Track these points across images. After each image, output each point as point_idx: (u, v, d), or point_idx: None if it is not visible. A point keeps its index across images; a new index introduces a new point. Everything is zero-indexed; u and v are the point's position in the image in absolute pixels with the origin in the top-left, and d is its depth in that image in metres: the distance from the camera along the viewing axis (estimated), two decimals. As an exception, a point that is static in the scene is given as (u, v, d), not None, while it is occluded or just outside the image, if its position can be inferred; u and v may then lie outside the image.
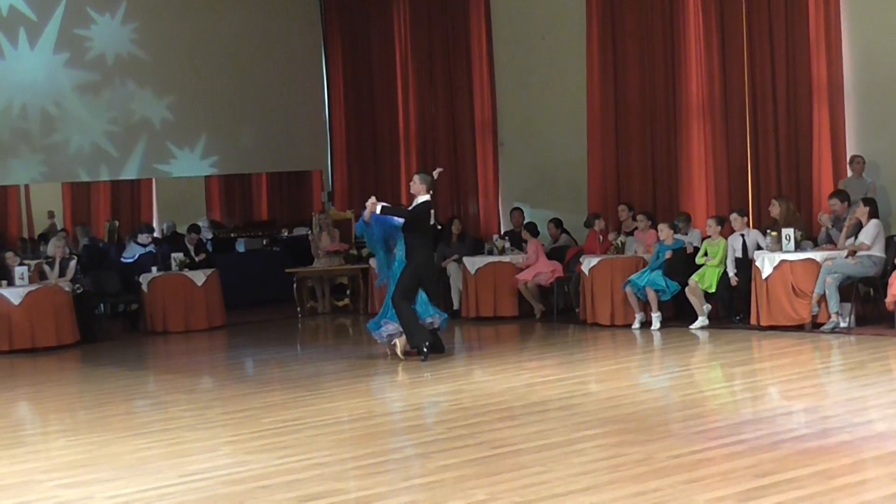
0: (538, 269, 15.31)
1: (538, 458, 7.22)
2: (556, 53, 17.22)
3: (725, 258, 13.55)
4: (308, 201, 22.08)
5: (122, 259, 17.46)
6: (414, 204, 12.38)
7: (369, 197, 12.66)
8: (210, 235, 20.53)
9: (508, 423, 8.61)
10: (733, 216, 13.74)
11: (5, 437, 9.22)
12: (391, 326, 12.24)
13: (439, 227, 16.66)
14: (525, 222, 16.44)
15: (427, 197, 12.31)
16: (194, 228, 18.25)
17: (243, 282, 18.77)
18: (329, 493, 6.72)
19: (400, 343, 12.19)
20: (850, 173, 13.74)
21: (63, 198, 22.26)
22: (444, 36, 18.73)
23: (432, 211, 12.44)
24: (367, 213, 12.30)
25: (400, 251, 12.24)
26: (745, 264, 13.35)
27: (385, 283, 12.63)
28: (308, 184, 22.14)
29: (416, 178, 12.50)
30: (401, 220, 12.25)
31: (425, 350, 11.97)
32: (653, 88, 15.90)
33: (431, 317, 12.23)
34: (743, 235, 13.58)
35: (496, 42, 18.06)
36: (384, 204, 12.39)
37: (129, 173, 20.16)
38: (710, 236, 13.83)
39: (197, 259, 17.21)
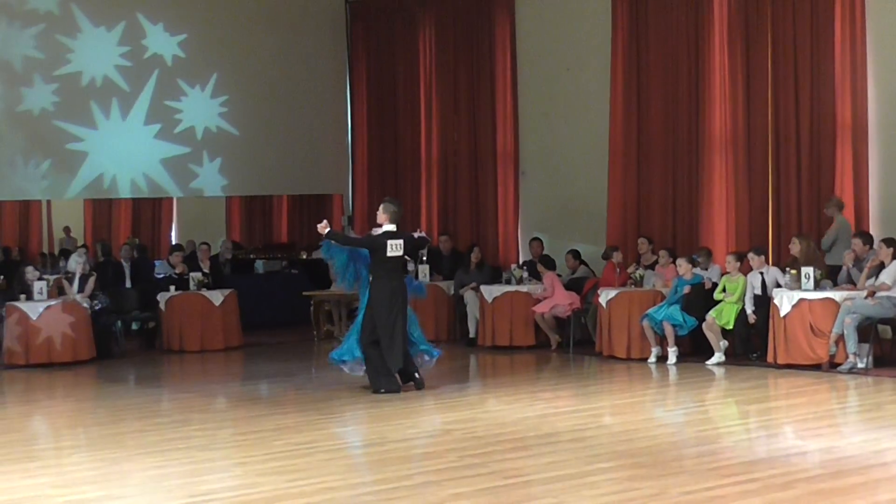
0: (556, 301, 15.28)
1: (550, 490, 7.19)
2: (580, 85, 17.23)
3: (744, 295, 13.50)
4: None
5: (156, 276, 17.41)
6: (376, 233, 12.00)
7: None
8: (229, 256, 20.56)
9: (521, 454, 8.59)
10: (750, 255, 13.68)
11: (19, 451, 9.25)
12: (347, 366, 12.21)
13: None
14: (541, 255, 16.40)
15: (391, 227, 11.88)
16: (204, 244, 18.05)
17: (261, 303, 18.77)
18: (339, 517, 6.72)
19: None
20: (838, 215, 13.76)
21: (84, 214, 22.35)
22: (469, 63, 18.76)
23: (398, 242, 11.86)
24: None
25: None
26: (764, 301, 13.30)
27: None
28: (328, 207, 22.14)
29: (381, 206, 12.07)
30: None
31: (381, 391, 11.70)
32: (676, 123, 15.89)
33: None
34: (762, 273, 13.54)
35: (520, 71, 18.08)
36: (329, 229, 11.90)
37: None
38: (729, 272, 13.79)
39: (206, 272, 17.01)
